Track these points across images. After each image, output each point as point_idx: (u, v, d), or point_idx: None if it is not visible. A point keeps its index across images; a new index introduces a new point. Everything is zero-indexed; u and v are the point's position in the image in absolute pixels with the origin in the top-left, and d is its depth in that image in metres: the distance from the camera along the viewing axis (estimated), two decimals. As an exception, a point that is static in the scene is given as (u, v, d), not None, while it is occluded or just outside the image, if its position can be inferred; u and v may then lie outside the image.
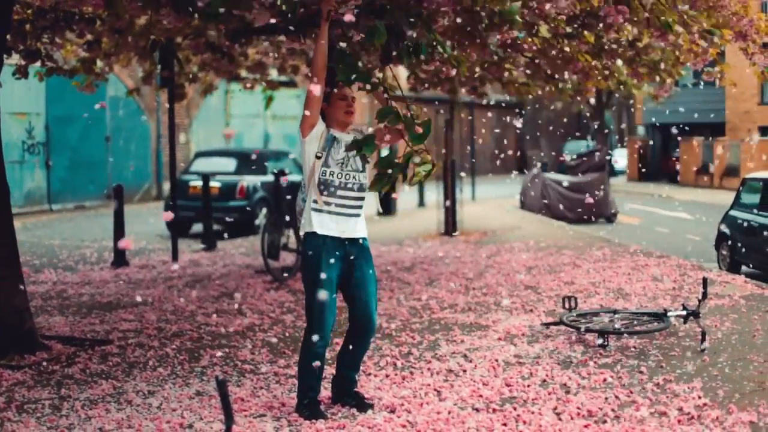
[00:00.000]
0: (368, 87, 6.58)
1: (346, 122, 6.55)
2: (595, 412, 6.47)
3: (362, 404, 6.64)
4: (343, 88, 6.54)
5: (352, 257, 6.43)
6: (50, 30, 9.75)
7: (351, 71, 6.42)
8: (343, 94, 6.52)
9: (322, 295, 6.28)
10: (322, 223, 6.35)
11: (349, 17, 6.52)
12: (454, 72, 9.10)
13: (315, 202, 6.36)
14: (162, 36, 11.20)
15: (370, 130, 6.73)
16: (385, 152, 24.64)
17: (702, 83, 33.84)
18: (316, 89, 6.29)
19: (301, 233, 6.46)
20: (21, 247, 9.27)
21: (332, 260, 6.34)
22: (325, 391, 6.80)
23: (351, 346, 6.60)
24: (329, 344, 6.55)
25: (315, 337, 6.34)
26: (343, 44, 7.26)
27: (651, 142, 47.31)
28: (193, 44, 11.56)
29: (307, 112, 6.34)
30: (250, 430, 6.17)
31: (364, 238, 6.53)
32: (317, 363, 6.40)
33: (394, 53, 7.14)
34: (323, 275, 6.29)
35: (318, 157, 6.37)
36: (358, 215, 6.48)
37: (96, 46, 10.73)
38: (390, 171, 6.18)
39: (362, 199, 6.50)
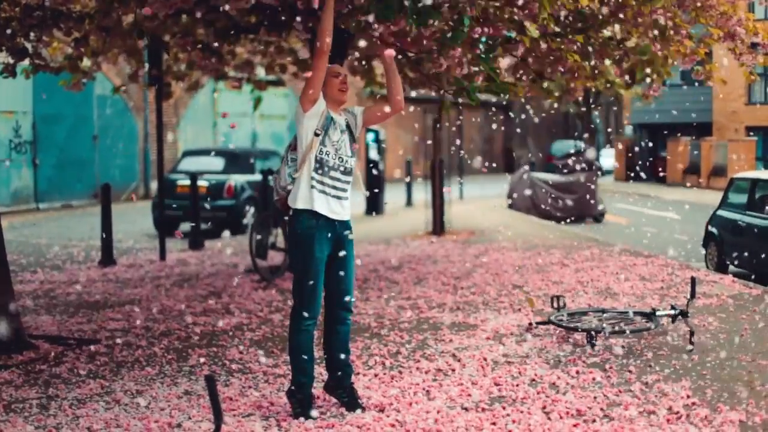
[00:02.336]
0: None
1: (340, 100, 6.59)
2: (584, 411, 6.47)
3: (353, 402, 6.63)
4: (334, 65, 6.59)
5: (339, 237, 6.48)
6: (38, 28, 9.72)
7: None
8: (336, 72, 6.56)
9: (314, 271, 6.34)
10: (317, 201, 6.38)
11: None
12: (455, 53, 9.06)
13: (311, 179, 6.38)
14: (149, 33, 11.19)
15: (360, 110, 6.77)
16: (373, 149, 24.64)
17: (692, 83, 33.94)
18: (322, 63, 6.35)
19: (295, 206, 6.44)
20: (8, 246, 9.23)
21: (324, 241, 6.39)
22: (315, 391, 6.78)
23: (333, 329, 6.63)
24: (317, 323, 6.54)
25: (305, 313, 6.40)
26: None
27: (639, 143, 47.40)
28: (182, 42, 11.55)
29: (310, 88, 6.38)
30: (239, 430, 6.15)
31: (349, 220, 6.60)
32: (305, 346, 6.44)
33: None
34: (315, 252, 6.35)
35: (317, 135, 6.39)
36: (346, 198, 6.55)
37: (84, 44, 10.69)
38: None
39: (350, 182, 6.57)
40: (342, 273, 6.53)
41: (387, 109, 6.72)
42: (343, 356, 6.66)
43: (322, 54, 6.35)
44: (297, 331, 6.45)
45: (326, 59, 6.38)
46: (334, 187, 6.43)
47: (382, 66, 7.75)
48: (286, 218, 6.71)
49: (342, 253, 6.50)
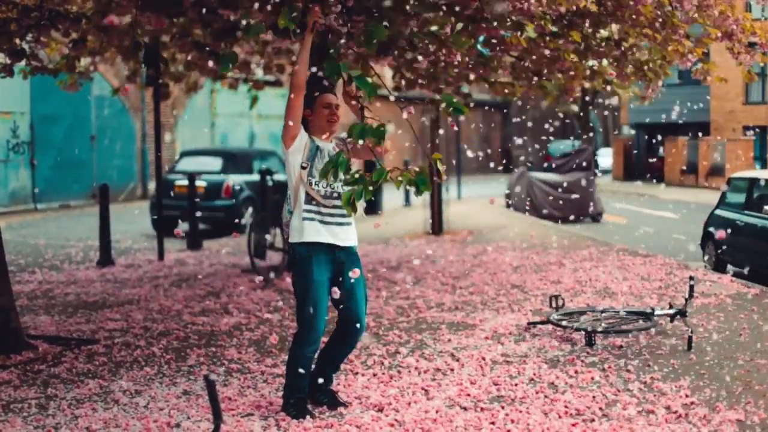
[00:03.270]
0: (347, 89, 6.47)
1: (330, 130, 6.51)
2: (583, 410, 6.48)
3: (334, 402, 6.64)
4: (326, 95, 6.49)
5: (341, 262, 6.41)
6: (35, 28, 9.71)
7: (336, 68, 6.36)
8: (326, 102, 6.47)
9: (314, 301, 6.26)
10: (311, 231, 6.31)
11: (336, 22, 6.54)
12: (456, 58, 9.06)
13: (304, 211, 6.33)
14: (147, 35, 11.18)
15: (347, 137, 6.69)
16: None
17: (689, 82, 33.95)
18: (297, 99, 6.27)
19: (292, 241, 6.41)
20: (6, 246, 9.23)
21: (323, 265, 6.32)
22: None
23: (336, 347, 6.60)
24: (318, 349, 6.52)
25: (307, 343, 6.34)
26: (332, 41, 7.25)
27: (636, 142, 47.42)
28: (179, 43, 11.54)
29: (290, 123, 6.29)
30: (238, 430, 6.15)
31: (354, 247, 6.52)
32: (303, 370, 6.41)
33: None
34: (315, 281, 6.28)
35: (303, 168, 6.34)
36: (348, 224, 6.45)
37: (81, 45, 10.68)
38: (357, 187, 6.00)
39: None
40: (351, 298, 6.44)
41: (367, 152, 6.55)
42: (330, 372, 6.70)
43: (297, 90, 6.25)
44: (297, 358, 6.39)
45: (302, 95, 6.27)
46: (331, 215, 6.36)
47: (377, 68, 7.73)
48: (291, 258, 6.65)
49: (347, 279, 6.38)
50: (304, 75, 6.28)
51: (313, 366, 6.59)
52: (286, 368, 6.54)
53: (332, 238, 6.35)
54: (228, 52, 7.67)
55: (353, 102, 6.42)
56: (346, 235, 6.42)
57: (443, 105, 6.38)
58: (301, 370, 6.39)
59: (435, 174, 5.96)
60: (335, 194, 6.37)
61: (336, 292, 6.34)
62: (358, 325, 6.50)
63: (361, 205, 6.03)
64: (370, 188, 5.84)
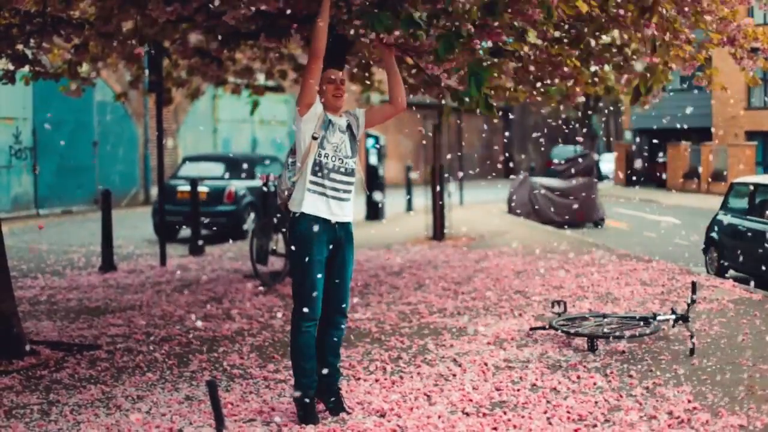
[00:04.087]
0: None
1: (336, 105, 6.59)
2: (585, 416, 6.48)
3: (338, 407, 6.65)
4: (329, 70, 6.61)
5: (338, 240, 6.49)
6: (38, 34, 9.72)
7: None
8: (330, 77, 6.58)
9: (313, 274, 6.34)
10: (315, 204, 6.39)
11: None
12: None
13: (309, 182, 6.39)
14: (149, 40, 11.18)
15: (362, 111, 6.81)
16: (373, 154, 24.67)
17: (691, 88, 33.86)
18: (315, 65, 6.38)
19: (292, 209, 6.47)
20: (8, 252, 9.23)
21: (322, 242, 6.39)
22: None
23: (328, 331, 6.62)
24: (317, 325, 6.53)
25: (305, 316, 6.39)
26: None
27: (638, 148, 47.40)
28: (182, 49, 11.55)
29: (305, 91, 6.41)
30: (240, 435, 6.16)
31: (350, 222, 6.61)
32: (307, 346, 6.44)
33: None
34: (314, 255, 6.35)
35: (315, 138, 6.40)
36: (348, 199, 6.56)
37: (83, 51, 10.70)
38: None
39: (352, 183, 6.58)
40: (339, 278, 6.55)
41: (389, 108, 6.78)
42: (333, 360, 6.67)
43: (315, 58, 6.39)
44: (298, 333, 6.45)
45: (320, 63, 6.41)
46: (335, 189, 6.45)
47: (381, 71, 7.78)
48: (287, 223, 6.70)
49: (340, 257, 6.51)
50: (323, 42, 6.42)
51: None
52: (291, 355, 6.57)
53: (330, 214, 6.43)
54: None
55: (387, 49, 6.75)
56: (343, 211, 6.52)
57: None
58: (305, 357, 6.44)
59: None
60: (342, 169, 6.47)
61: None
62: (343, 304, 6.61)
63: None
64: None
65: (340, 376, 6.80)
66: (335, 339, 6.68)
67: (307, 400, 6.48)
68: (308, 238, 6.37)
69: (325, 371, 6.62)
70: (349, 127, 6.62)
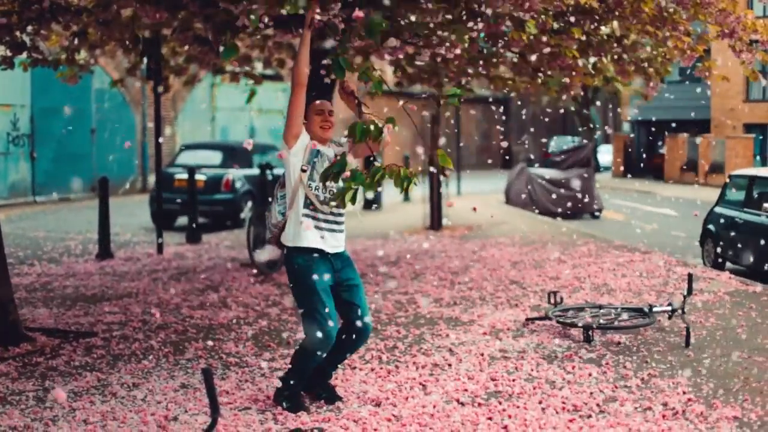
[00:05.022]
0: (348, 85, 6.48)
1: (324, 137, 6.49)
2: (580, 406, 6.48)
3: (332, 396, 6.66)
4: (318, 102, 6.51)
5: (337, 268, 6.43)
6: (36, 21, 9.70)
7: (340, 67, 6.37)
8: (319, 109, 6.47)
9: (320, 302, 6.23)
10: (308, 237, 6.31)
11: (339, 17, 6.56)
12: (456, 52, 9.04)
13: (303, 216, 6.31)
14: (148, 28, 11.17)
15: (345, 140, 6.67)
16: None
17: (690, 79, 33.89)
18: (299, 96, 6.28)
19: (286, 244, 6.41)
20: (5, 239, 9.22)
21: (321, 270, 6.31)
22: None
23: (341, 349, 6.56)
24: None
25: (319, 350, 6.28)
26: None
27: (636, 139, 47.41)
28: (180, 37, 11.53)
29: (291, 122, 6.31)
30: (236, 423, 6.16)
31: (344, 251, 6.55)
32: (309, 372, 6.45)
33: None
34: (319, 290, 6.25)
35: (303, 171, 6.33)
36: (341, 231, 6.49)
37: (82, 38, 10.68)
38: (353, 186, 5.99)
39: (343, 214, 6.51)
40: (353, 298, 6.46)
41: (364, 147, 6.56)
42: (330, 370, 6.70)
43: (298, 86, 6.26)
44: (310, 361, 6.38)
45: (303, 92, 6.28)
46: (327, 221, 6.38)
47: (379, 61, 7.73)
48: (283, 260, 6.64)
49: (344, 280, 6.43)
50: (304, 72, 6.28)
51: None
52: (292, 364, 6.54)
53: (325, 245, 6.36)
54: (230, 44, 7.65)
55: (350, 98, 6.44)
56: (336, 242, 6.44)
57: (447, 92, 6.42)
58: (311, 369, 6.45)
59: (439, 170, 6.05)
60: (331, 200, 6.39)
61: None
62: (366, 328, 6.51)
63: (359, 202, 6.06)
64: (370, 185, 5.84)
65: (330, 376, 6.80)
66: (346, 355, 6.67)
67: (290, 394, 6.48)
68: (306, 268, 6.28)
69: (320, 378, 6.63)
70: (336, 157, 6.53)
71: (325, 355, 6.39)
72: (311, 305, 6.27)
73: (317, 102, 6.51)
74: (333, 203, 6.32)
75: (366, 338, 6.61)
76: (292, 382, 6.48)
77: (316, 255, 6.31)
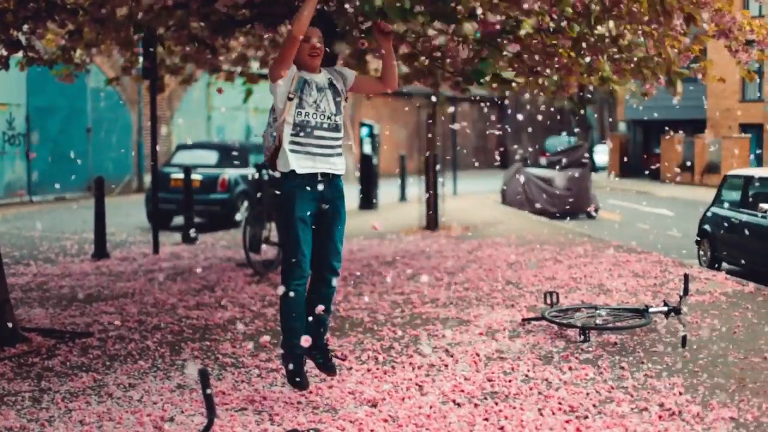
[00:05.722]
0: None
1: (312, 65, 6.54)
2: (577, 407, 6.48)
3: (328, 365, 6.71)
4: (307, 29, 6.48)
5: (327, 195, 6.50)
6: (32, 20, 9.69)
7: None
8: (306, 36, 6.47)
9: (297, 230, 6.35)
10: (300, 162, 6.39)
11: None
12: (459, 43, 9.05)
13: (291, 143, 6.39)
14: (143, 26, 11.15)
15: (352, 73, 6.81)
16: (367, 144, 24.65)
17: (686, 79, 33.83)
18: (291, 50, 6.32)
19: (280, 170, 6.47)
20: (1, 238, 9.20)
21: (307, 199, 6.39)
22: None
23: (317, 287, 6.62)
24: (306, 283, 6.55)
25: (293, 273, 6.39)
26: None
27: (632, 139, 47.43)
28: (176, 36, 11.52)
29: (279, 65, 6.38)
30: (232, 424, 6.15)
31: (339, 178, 6.61)
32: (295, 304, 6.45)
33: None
34: (297, 212, 6.35)
35: (290, 99, 6.40)
36: (337, 154, 6.55)
37: (78, 36, 10.66)
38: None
39: (339, 138, 6.57)
40: (328, 235, 6.55)
41: (379, 84, 6.76)
42: (322, 310, 6.66)
43: (294, 40, 6.28)
44: (287, 289, 6.43)
45: (296, 47, 6.31)
46: (320, 146, 6.44)
47: (375, 61, 7.74)
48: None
49: (330, 213, 6.51)
50: (302, 29, 6.28)
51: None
52: (279, 313, 6.59)
53: (320, 167, 6.43)
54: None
55: (386, 38, 6.64)
56: (333, 165, 6.51)
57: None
58: (293, 315, 6.46)
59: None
60: (325, 125, 6.48)
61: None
62: (335, 256, 6.60)
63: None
64: None
65: (327, 330, 6.84)
66: (325, 295, 6.68)
67: (293, 359, 6.49)
68: (292, 195, 6.37)
69: (310, 318, 6.61)
70: (331, 84, 6.59)
71: (303, 286, 6.46)
72: (288, 232, 6.42)
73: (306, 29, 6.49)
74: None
75: (336, 269, 6.66)
76: (286, 332, 6.52)
77: (303, 180, 6.37)
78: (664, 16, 9.03)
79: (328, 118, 6.49)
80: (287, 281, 6.44)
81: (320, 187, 6.44)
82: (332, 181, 6.54)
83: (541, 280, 12.19)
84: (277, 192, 6.51)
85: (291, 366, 6.50)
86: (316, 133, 6.44)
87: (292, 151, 6.40)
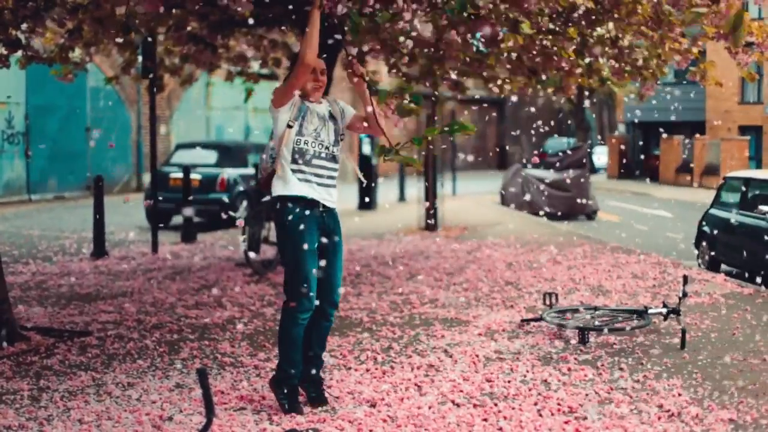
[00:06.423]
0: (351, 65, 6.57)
1: (314, 95, 6.53)
2: (576, 408, 6.48)
3: (319, 397, 6.60)
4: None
5: (329, 227, 6.46)
6: (31, 18, 9.67)
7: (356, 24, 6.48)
8: (312, 68, 6.45)
9: (306, 263, 6.26)
10: (299, 187, 6.35)
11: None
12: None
13: (291, 171, 6.35)
14: (142, 26, 11.15)
15: (351, 110, 6.74)
16: (366, 144, 24.64)
17: (683, 82, 33.89)
18: (302, 79, 6.30)
19: (276, 193, 6.42)
20: (0, 237, 9.20)
21: (313, 230, 6.34)
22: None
23: (316, 321, 6.55)
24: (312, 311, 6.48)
25: (301, 307, 6.32)
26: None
27: (632, 141, 47.43)
28: (176, 35, 11.52)
29: (285, 93, 6.35)
30: (231, 424, 6.14)
31: (335, 210, 6.57)
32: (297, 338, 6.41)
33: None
34: (307, 245, 6.28)
35: (290, 126, 6.36)
36: (333, 186, 6.51)
37: (77, 35, 10.66)
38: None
39: (336, 170, 6.53)
40: (330, 267, 6.48)
41: (367, 129, 6.65)
42: (319, 351, 6.64)
43: (305, 68, 6.26)
44: (291, 324, 6.38)
45: (308, 72, 6.30)
46: (317, 175, 6.39)
47: (374, 62, 7.74)
48: (273, 213, 6.65)
49: (330, 246, 6.44)
50: (313, 55, 6.27)
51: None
52: (279, 341, 6.52)
53: (321, 197, 6.39)
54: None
55: (359, 80, 6.52)
56: (330, 196, 6.47)
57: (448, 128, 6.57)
58: (295, 348, 6.41)
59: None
60: (323, 154, 6.43)
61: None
62: (334, 291, 6.54)
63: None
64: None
65: (321, 365, 6.75)
66: (324, 330, 6.63)
67: (288, 389, 6.46)
68: (297, 225, 6.29)
69: (310, 368, 6.58)
70: (331, 115, 6.56)
71: (306, 320, 6.39)
72: (296, 266, 6.31)
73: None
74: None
75: (335, 304, 6.60)
76: (284, 362, 6.46)
77: (307, 210, 6.32)
78: (661, 26, 9.06)
79: (326, 148, 6.44)
80: (295, 315, 6.36)
81: (321, 218, 6.41)
82: (331, 213, 6.50)
83: (540, 281, 12.19)
84: (280, 222, 6.41)
85: (285, 391, 6.47)
86: (315, 162, 6.38)
87: (294, 175, 6.35)
